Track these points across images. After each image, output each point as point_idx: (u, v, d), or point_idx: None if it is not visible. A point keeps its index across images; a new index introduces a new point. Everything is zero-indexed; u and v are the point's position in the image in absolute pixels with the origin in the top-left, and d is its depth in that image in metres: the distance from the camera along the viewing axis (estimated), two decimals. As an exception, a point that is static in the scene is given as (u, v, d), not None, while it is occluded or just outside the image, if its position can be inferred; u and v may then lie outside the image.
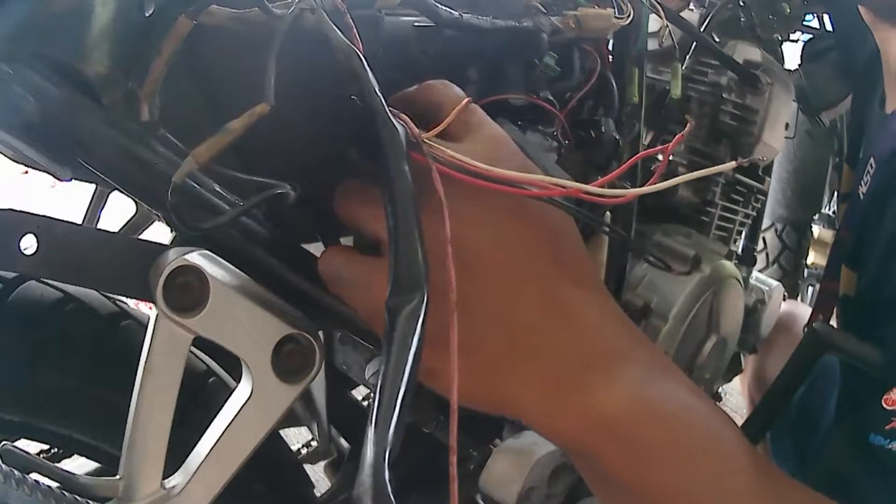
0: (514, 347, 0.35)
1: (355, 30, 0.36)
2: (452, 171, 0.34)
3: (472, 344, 0.34)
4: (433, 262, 0.31)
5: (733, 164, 0.38)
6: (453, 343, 0.30)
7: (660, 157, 0.85)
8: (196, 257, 0.38)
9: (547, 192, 0.35)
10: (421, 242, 0.31)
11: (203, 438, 0.41)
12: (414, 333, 0.29)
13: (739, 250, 1.04)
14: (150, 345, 0.38)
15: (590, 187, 0.35)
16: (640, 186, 0.37)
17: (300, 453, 0.85)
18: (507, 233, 0.36)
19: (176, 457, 0.41)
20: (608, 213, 0.68)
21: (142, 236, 0.75)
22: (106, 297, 0.55)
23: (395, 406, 0.28)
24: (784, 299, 1.10)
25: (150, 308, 0.38)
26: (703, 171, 0.37)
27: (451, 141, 0.37)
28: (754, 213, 1.00)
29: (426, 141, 0.35)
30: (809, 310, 0.90)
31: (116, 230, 0.75)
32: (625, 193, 0.35)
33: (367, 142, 0.38)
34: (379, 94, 0.34)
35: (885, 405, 0.45)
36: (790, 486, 0.38)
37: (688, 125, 0.35)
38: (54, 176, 0.40)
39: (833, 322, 0.73)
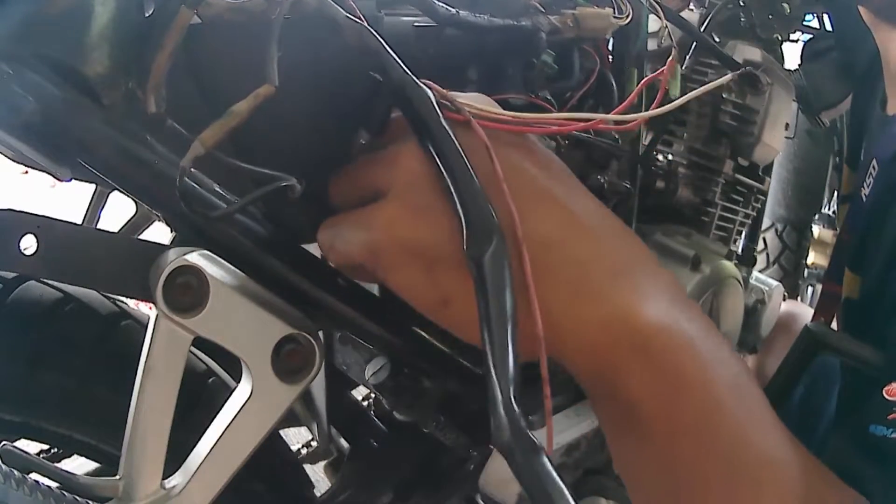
0: (535, 264, 0.34)
1: (357, 10, 0.36)
2: (485, 122, 0.36)
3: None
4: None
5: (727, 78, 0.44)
6: (528, 275, 0.32)
7: (660, 157, 0.85)
8: (196, 257, 0.38)
9: (567, 127, 0.39)
10: (479, 187, 0.32)
11: (203, 438, 0.41)
12: (504, 273, 0.30)
13: (739, 250, 1.04)
14: (150, 345, 0.38)
15: (604, 115, 0.39)
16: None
17: (300, 453, 0.85)
18: (518, 167, 0.37)
19: (176, 457, 0.41)
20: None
21: (142, 236, 0.75)
22: (106, 297, 0.54)
23: (508, 344, 0.29)
24: (784, 299, 1.10)
25: (150, 308, 0.38)
26: (706, 86, 0.40)
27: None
28: (754, 213, 1.00)
29: (455, 100, 0.37)
30: (810, 310, 0.90)
31: (116, 230, 0.75)
32: (635, 118, 0.37)
33: (377, 120, 0.39)
34: (401, 62, 0.35)
35: (886, 396, 0.44)
36: (807, 455, 0.38)
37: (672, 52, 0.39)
38: (54, 176, 0.40)
39: (834, 325, 0.73)
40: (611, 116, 0.37)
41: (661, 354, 0.34)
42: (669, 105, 0.37)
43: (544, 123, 0.38)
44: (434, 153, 0.34)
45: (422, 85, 0.35)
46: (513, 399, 0.27)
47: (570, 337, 0.35)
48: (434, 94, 0.35)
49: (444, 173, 0.33)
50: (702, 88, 0.39)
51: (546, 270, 0.34)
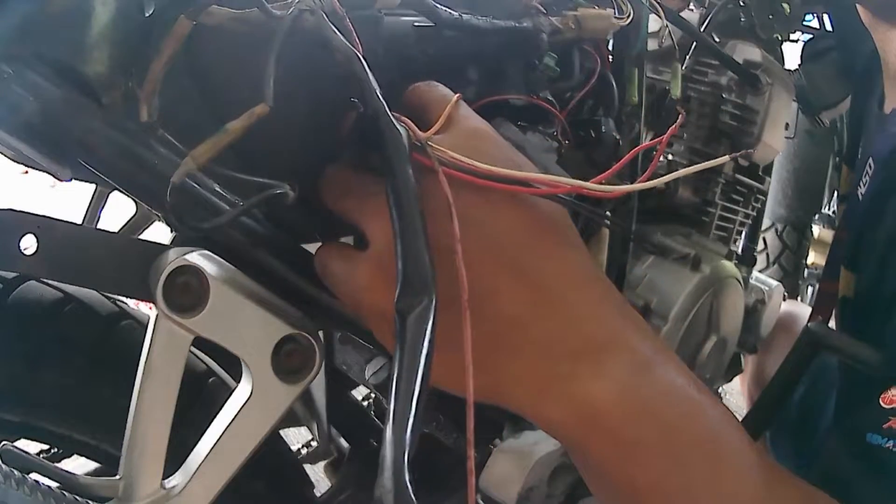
0: (499, 342, 0.35)
1: (355, 33, 0.36)
2: (456, 171, 0.35)
3: (458, 340, 0.34)
4: (440, 262, 0.31)
5: (726, 158, 0.40)
6: (467, 342, 0.31)
7: (663, 160, 0.85)
8: (196, 257, 0.38)
9: (549, 189, 0.36)
10: (426, 244, 0.31)
11: (203, 438, 0.41)
12: (424, 336, 0.29)
13: (739, 250, 1.04)
14: (150, 345, 0.38)
15: (588, 184, 0.35)
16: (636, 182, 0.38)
17: (300, 453, 0.85)
18: (488, 228, 0.36)
19: (176, 457, 0.41)
20: (608, 212, 0.69)
21: (142, 236, 0.75)
22: (106, 297, 0.54)
23: (411, 408, 0.28)
24: (784, 299, 1.10)
25: (150, 308, 0.38)
26: (697, 166, 0.37)
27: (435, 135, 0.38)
28: (754, 213, 1.00)
29: (429, 144, 0.35)
30: (809, 310, 0.89)
31: (116, 230, 0.75)
32: (621, 188, 0.35)
33: (367, 142, 0.38)
34: (380, 96, 0.34)
35: (882, 404, 0.44)
36: (793, 486, 0.37)
37: (679, 117, 0.36)
38: (54, 176, 0.40)
39: (832, 323, 0.73)
40: (595, 185, 0.36)
41: (619, 428, 0.35)
42: (659, 179, 0.36)
43: (523, 183, 0.36)
44: (391, 197, 0.33)
45: (396, 123, 0.34)
46: (405, 464, 0.27)
47: (530, 413, 0.36)
48: (407, 135, 0.34)
49: (394, 220, 0.32)
50: (691, 168, 0.39)
51: (509, 350, 0.35)
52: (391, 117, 0.34)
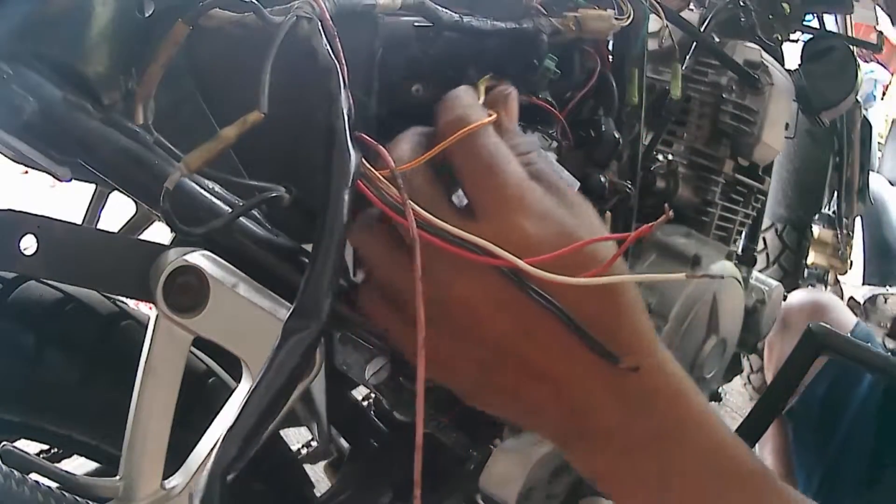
0: (517, 421, 0.39)
1: (338, 41, 0.36)
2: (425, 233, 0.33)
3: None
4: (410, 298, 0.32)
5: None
6: (420, 382, 0.31)
7: (660, 157, 0.85)
8: (196, 257, 0.38)
9: (487, 259, 0.33)
10: (335, 275, 0.31)
11: (203, 438, 0.41)
12: (294, 360, 0.30)
13: (739, 250, 1.04)
14: (150, 345, 0.39)
15: (533, 270, 0.32)
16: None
17: (300, 453, 0.85)
18: (458, 287, 0.34)
19: (176, 457, 0.41)
20: (608, 212, 0.68)
21: (142, 236, 0.75)
22: (106, 297, 0.54)
23: (248, 425, 0.28)
24: (784, 299, 1.10)
25: (150, 308, 0.38)
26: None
27: (471, 215, 0.35)
28: (754, 213, 1.00)
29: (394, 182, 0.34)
30: (835, 298, 0.89)
31: (116, 230, 0.75)
32: (559, 279, 0.32)
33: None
34: (346, 117, 0.33)
35: None
36: None
37: (664, 215, 0.34)
38: (54, 176, 0.40)
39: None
40: (538, 273, 0.32)
41: (620, 494, 0.37)
42: (600, 279, 0.34)
43: (489, 254, 0.32)
44: (321, 219, 0.32)
45: (351, 147, 0.33)
46: (219, 476, 0.27)
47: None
48: (358, 162, 0.33)
49: (317, 246, 0.32)
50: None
51: (523, 421, 0.38)
52: (347, 140, 0.33)
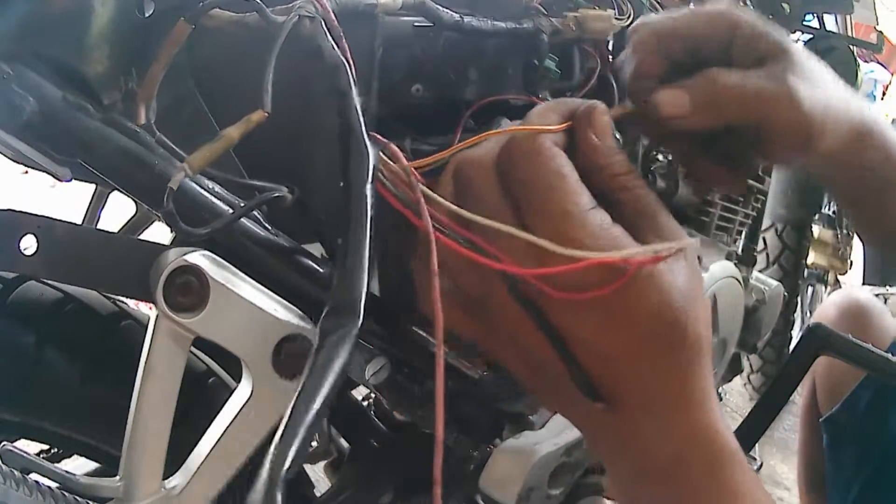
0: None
1: (345, 41, 0.36)
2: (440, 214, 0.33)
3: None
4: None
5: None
6: (439, 389, 0.31)
7: (660, 157, 0.85)
8: (196, 257, 0.38)
9: (497, 265, 0.32)
10: (365, 271, 0.31)
11: (203, 438, 0.41)
12: (336, 361, 0.30)
13: (739, 250, 1.04)
14: (150, 345, 0.38)
15: (532, 278, 0.32)
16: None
17: (300, 453, 0.85)
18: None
19: (176, 457, 0.41)
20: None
21: (142, 236, 0.75)
22: (106, 297, 0.54)
23: (302, 429, 0.28)
24: (784, 299, 1.09)
25: (150, 308, 0.38)
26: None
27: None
28: (754, 213, 1.00)
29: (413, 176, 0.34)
30: (878, 302, 0.86)
31: (116, 230, 0.75)
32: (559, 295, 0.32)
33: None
34: (360, 114, 0.34)
35: None
36: None
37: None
38: (54, 176, 0.40)
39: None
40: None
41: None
42: None
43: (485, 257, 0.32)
44: (346, 217, 0.32)
45: (368, 144, 0.33)
46: (279, 482, 0.27)
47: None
48: (377, 158, 0.33)
49: (344, 244, 0.32)
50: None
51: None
52: (364, 137, 0.33)
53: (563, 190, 0.33)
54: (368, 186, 0.32)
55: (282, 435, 0.28)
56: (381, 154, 0.34)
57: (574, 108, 0.36)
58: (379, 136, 0.35)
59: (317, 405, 0.29)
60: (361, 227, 0.32)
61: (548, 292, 0.31)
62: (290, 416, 0.28)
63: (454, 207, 0.33)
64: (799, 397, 1.12)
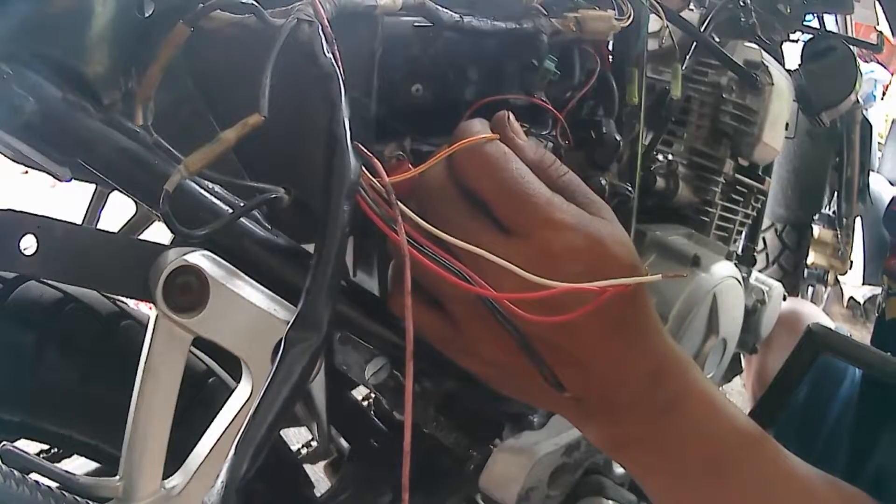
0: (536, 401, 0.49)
1: (336, 46, 0.36)
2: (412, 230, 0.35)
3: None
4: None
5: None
6: (407, 393, 0.33)
7: (660, 157, 0.85)
8: (196, 257, 0.38)
9: (472, 288, 0.35)
10: (336, 284, 0.32)
11: (203, 438, 0.41)
12: (297, 371, 0.31)
13: (739, 250, 1.04)
14: (150, 345, 0.38)
15: (498, 296, 0.35)
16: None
17: (300, 453, 0.85)
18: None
19: (176, 457, 0.41)
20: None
21: (142, 236, 0.75)
22: (106, 297, 0.54)
23: (259, 435, 0.29)
24: (784, 299, 1.09)
25: (150, 308, 0.38)
26: None
27: (507, 232, 0.37)
28: (754, 213, 1.00)
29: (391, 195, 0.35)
30: (814, 307, 0.88)
31: (116, 230, 0.75)
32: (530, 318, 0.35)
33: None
34: (346, 125, 0.34)
35: None
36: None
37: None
38: (54, 176, 0.40)
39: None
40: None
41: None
42: None
43: (466, 280, 0.35)
44: (322, 227, 0.33)
45: (351, 155, 0.34)
46: (235, 488, 0.28)
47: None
48: (358, 171, 0.34)
49: (317, 256, 0.32)
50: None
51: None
52: (347, 151, 0.34)
53: (531, 182, 0.37)
54: (346, 201, 0.33)
55: (238, 444, 0.29)
56: (362, 168, 0.35)
57: (483, 125, 0.40)
58: (363, 149, 0.36)
59: (272, 417, 0.30)
60: (335, 241, 0.32)
61: (520, 316, 0.34)
62: (247, 426, 0.29)
63: (430, 227, 0.35)
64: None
